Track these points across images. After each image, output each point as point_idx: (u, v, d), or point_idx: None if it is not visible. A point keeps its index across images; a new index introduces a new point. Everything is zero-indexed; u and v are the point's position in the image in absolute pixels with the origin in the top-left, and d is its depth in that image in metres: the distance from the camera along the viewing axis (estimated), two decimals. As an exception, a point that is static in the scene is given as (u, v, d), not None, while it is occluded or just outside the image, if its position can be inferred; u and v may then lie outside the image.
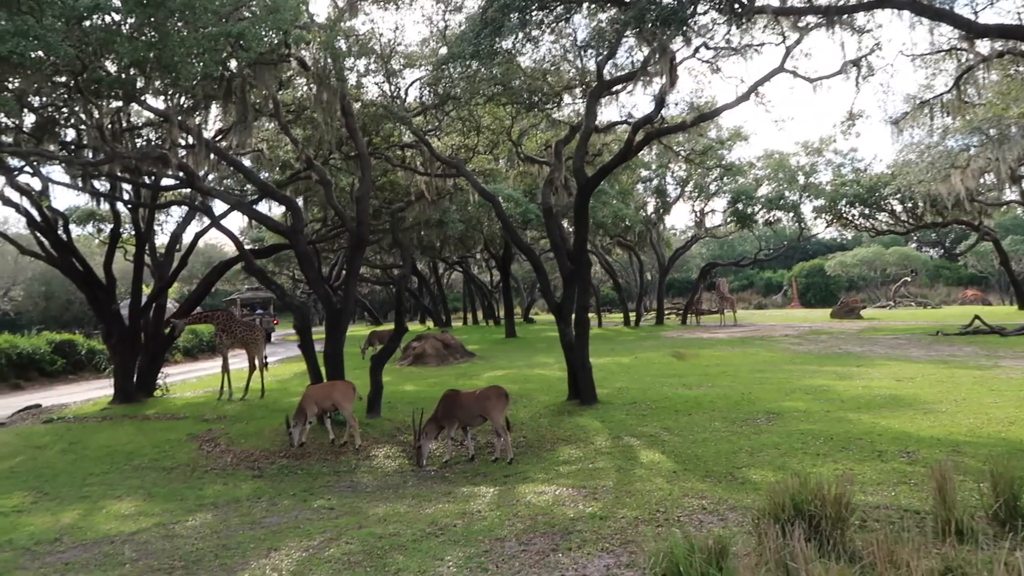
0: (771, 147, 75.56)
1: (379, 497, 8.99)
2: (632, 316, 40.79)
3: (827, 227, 38.23)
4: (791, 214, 35.90)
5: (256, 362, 17.55)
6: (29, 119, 13.46)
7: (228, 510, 8.61)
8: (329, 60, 12.21)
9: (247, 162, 16.46)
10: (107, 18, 10.32)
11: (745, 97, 13.05)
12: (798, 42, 12.96)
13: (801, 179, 35.82)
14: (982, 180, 28.53)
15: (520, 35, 11.59)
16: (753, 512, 6.34)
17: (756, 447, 9.91)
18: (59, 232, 17.47)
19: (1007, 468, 6.24)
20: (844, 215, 35.51)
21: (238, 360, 18.03)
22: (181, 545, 7.16)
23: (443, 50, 15.12)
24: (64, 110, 13.13)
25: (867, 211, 34.96)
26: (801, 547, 4.81)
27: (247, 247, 15.53)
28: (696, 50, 13.04)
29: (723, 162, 29.21)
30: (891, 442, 9.66)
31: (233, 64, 11.39)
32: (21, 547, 7.40)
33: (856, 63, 12.73)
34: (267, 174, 18.44)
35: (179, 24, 9.74)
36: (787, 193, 35.39)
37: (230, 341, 17.40)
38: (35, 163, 14.30)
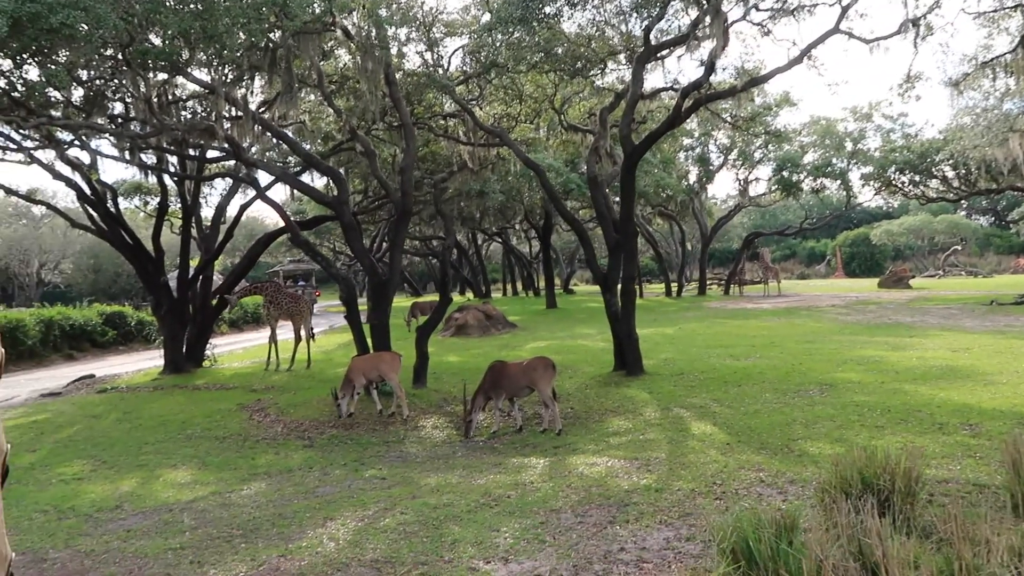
0: (817, 113, 73.84)
1: (429, 467, 9.00)
2: (673, 287, 40.39)
3: (875, 195, 37.28)
4: (838, 182, 35.06)
5: (302, 333, 17.68)
6: (78, 93, 13.57)
7: (281, 479, 8.69)
8: (372, 29, 12.07)
9: (290, 134, 16.44)
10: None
11: (798, 60, 12.63)
12: (853, 2, 12.48)
13: (849, 146, 34.90)
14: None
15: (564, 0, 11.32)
16: (817, 485, 6.20)
17: (811, 419, 9.71)
18: (108, 205, 17.71)
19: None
20: (893, 182, 34.55)
21: (284, 331, 18.22)
22: (238, 514, 7.24)
23: (485, 17, 14.89)
24: (112, 83, 13.21)
25: (917, 178, 33.95)
26: (875, 522, 4.66)
27: (285, 221, 15.57)
28: (747, 12, 12.64)
29: (770, 129, 28.52)
30: (952, 414, 9.38)
31: (277, 35, 11.31)
32: (84, 514, 7.55)
33: (915, 22, 12.23)
34: (309, 145, 18.43)
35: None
36: (834, 160, 34.54)
37: (277, 312, 17.56)
38: (84, 136, 14.44)
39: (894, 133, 35.17)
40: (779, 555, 4.65)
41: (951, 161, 31.38)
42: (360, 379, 11.89)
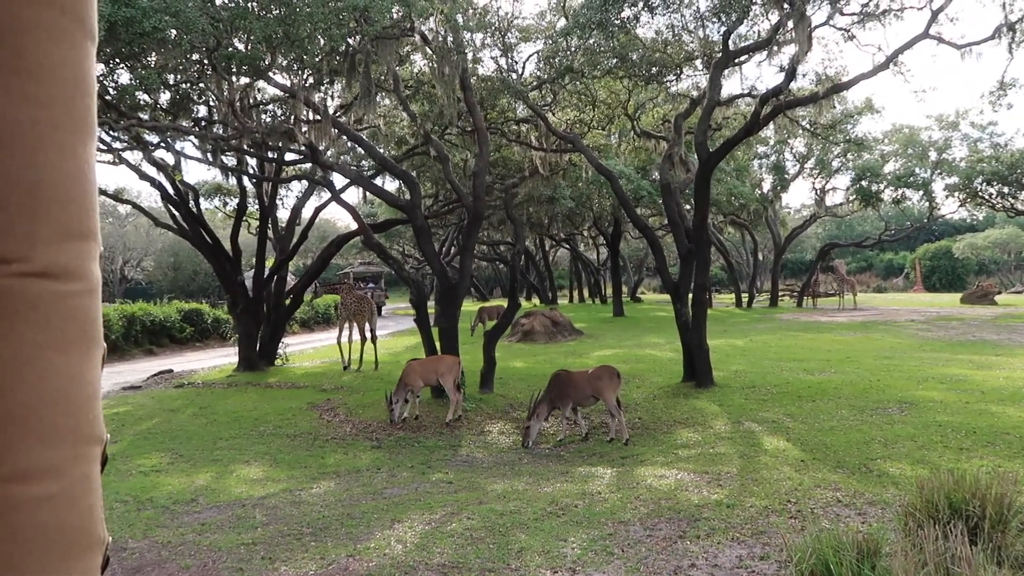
0: (900, 121, 71.50)
1: (496, 473, 8.98)
2: (744, 297, 39.61)
3: (960, 206, 35.85)
4: (920, 192, 33.85)
5: (366, 334, 17.96)
6: (164, 96, 14.07)
7: (350, 479, 8.79)
8: (449, 34, 12.17)
9: (365, 137, 16.71)
10: (239, -4, 10.61)
11: (884, 66, 12.22)
12: (945, 5, 12.03)
13: (933, 155, 33.67)
14: None
15: (644, 4, 11.19)
16: (899, 508, 5.95)
17: (890, 438, 9.36)
18: (190, 205, 18.29)
19: None
20: (979, 193, 33.21)
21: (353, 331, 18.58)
22: (308, 512, 7.34)
23: (561, 23, 14.86)
24: (197, 87, 13.64)
25: (1006, 189, 32.56)
26: (965, 550, 4.43)
27: (359, 223, 15.83)
28: (831, 16, 12.30)
29: (850, 137, 27.70)
30: (1043, 439, 8.94)
31: (356, 40, 11.50)
32: (161, 505, 7.77)
33: (1012, 27, 11.70)
34: (383, 149, 18.71)
35: (307, -1, 9.90)
36: (917, 170, 33.37)
37: (345, 313, 17.92)
38: (170, 138, 14.95)
39: (982, 142, 33.79)
40: (861, 580, 4.48)
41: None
42: (417, 382, 11.90)
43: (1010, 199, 33.59)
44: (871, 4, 12.58)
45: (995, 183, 32.15)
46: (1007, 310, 30.41)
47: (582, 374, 10.75)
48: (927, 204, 35.64)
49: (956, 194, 33.95)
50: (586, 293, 53.05)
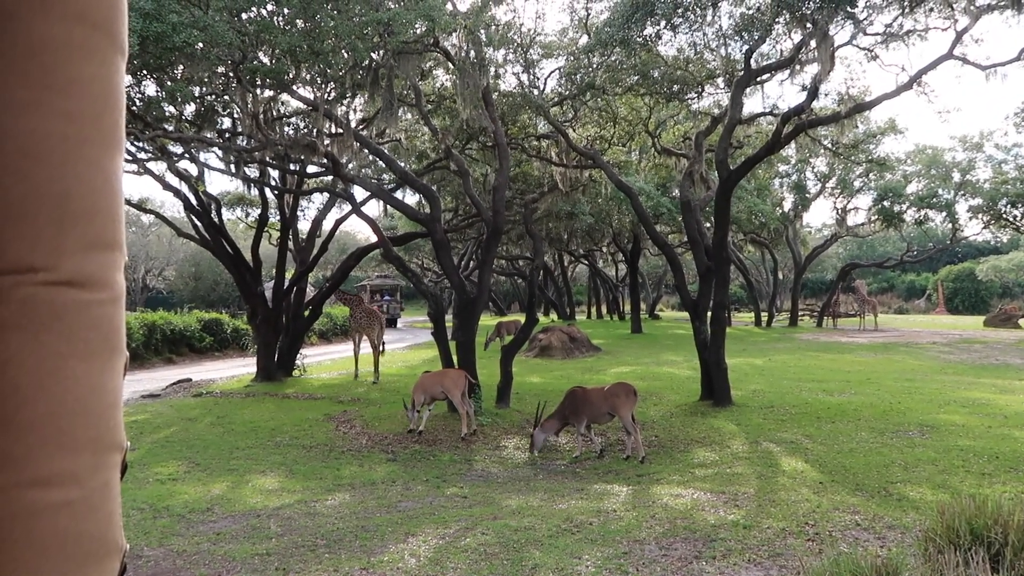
0: (923, 141, 70.91)
1: (511, 488, 8.95)
2: (764, 316, 39.35)
3: (983, 228, 35.49)
4: (943, 213, 33.56)
5: (371, 345, 18.24)
6: (189, 108, 14.25)
7: (365, 492, 8.79)
8: (472, 50, 12.26)
9: (386, 151, 16.84)
10: (264, 10, 10.75)
11: (907, 86, 12.15)
12: (970, 26, 11.96)
13: (956, 176, 33.39)
14: None
15: (666, 22, 11.22)
16: (920, 533, 5.86)
17: (910, 462, 9.23)
18: (212, 215, 18.48)
19: None
20: (1004, 215, 32.87)
21: (365, 345, 18.76)
22: (323, 523, 7.35)
23: (583, 39, 14.92)
24: (222, 99, 13.81)
25: (1031, 211, 32.23)
26: (986, 578, 4.36)
27: (378, 236, 15.96)
28: (854, 36, 12.27)
29: (872, 156, 27.55)
30: (1069, 465, 8.79)
31: (379, 54, 11.61)
32: (177, 514, 7.80)
33: (1036, 49, 11.62)
34: (404, 163, 18.83)
35: (331, 12, 10.00)
36: (940, 191, 33.10)
37: (355, 325, 18.22)
38: (194, 149, 15.13)
39: (1007, 164, 33.47)
40: (880, 606, 4.41)
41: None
42: (420, 396, 11.92)
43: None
44: (895, 24, 12.54)
45: (1020, 205, 31.82)
46: (1031, 334, 29.98)
47: (598, 391, 10.70)
48: (950, 225, 35.32)
49: (980, 216, 33.63)
50: (604, 309, 52.91)
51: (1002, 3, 10.08)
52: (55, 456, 0.71)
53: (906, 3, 10.11)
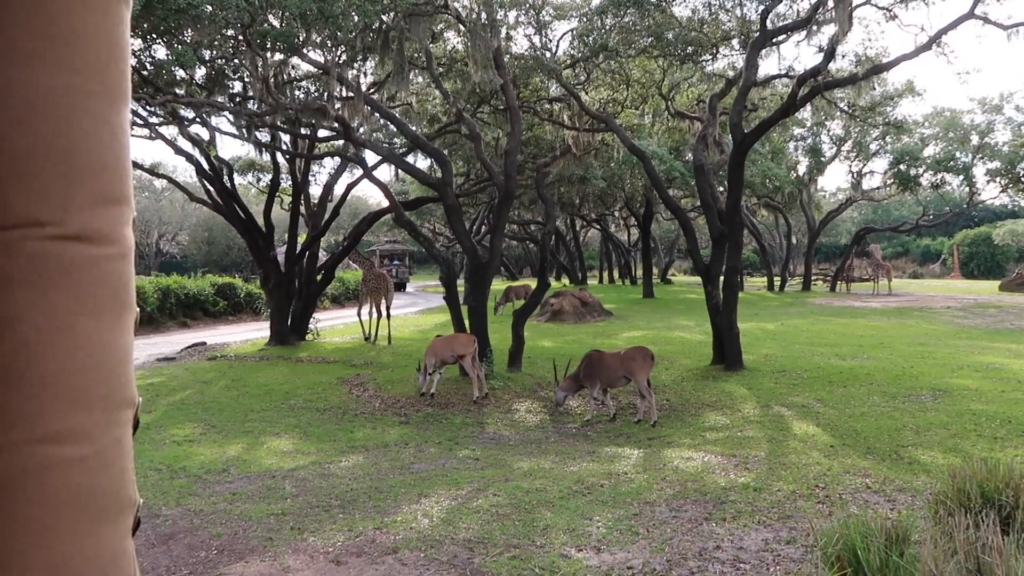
0: (941, 104, 69.71)
1: (522, 451, 9.02)
2: (776, 281, 39.18)
3: (1001, 192, 35.03)
4: (961, 177, 33.13)
5: (383, 310, 18.47)
6: (200, 72, 14.18)
7: (378, 453, 8.88)
8: (483, 11, 12.10)
9: (397, 115, 16.73)
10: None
11: (927, 47, 11.92)
12: (993, -16, 11.69)
13: (975, 139, 32.89)
14: None
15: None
16: (930, 496, 5.88)
17: (922, 425, 9.23)
18: (224, 180, 18.48)
19: None
20: (1023, 179, 32.42)
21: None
22: (337, 484, 7.44)
23: (596, 0, 14.68)
24: (232, 63, 13.72)
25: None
26: (997, 540, 4.37)
27: (390, 200, 15.94)
28: (874, -7, 12.03)
29: (889, 119, 27.16)
30: (1082, 429, 8.78)
31: (389, 16, 11.48)
32: (194, 475, 7.92)
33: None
34: (415, 127, 18.71)
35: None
36: (958, 154, 32.63)
37: (365, 289, 18.55)
38: (205, 114, 15.09)
39: (1026, 127, 32.93)
40: (889, 566, 4.44)
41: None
42: (431, 359, 11.97)
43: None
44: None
45: (1039, 169, 31.38)
46: (1047, 298, 29.72)
47: (615, 355, 10.72)
48: (967, 189, 34.90)
49: (998, 179, 33.18)
50: (616, 274, 52.85)
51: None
52: (67, 412, 0.71)
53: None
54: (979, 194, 36.05)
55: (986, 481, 5.46)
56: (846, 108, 21.23)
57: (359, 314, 19.02)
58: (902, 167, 32.50)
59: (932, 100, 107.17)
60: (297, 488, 7.35)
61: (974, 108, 33.98)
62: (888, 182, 35.38)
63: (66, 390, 0.71)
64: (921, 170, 32.77)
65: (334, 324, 23.42)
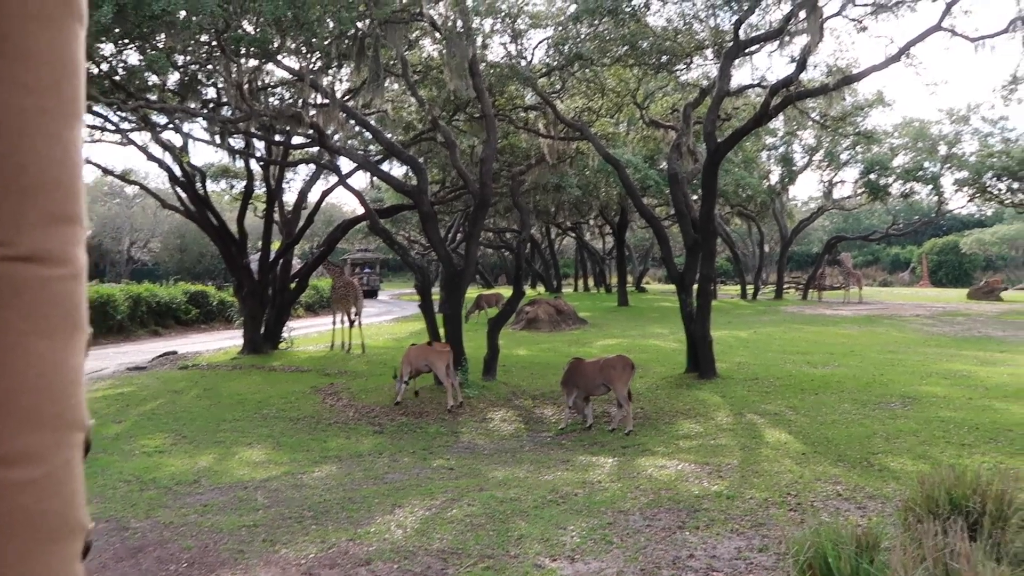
0: (911, 114, 70.79)
1: (497, 460, 9.00)
2: (749, 289, 39.53)
3: (969, 201, 35.67)
4: (929, 187, 33.69)
5: (348, 318, 18.40)
6: (173, 77, 14.04)
7: (351, 463, 8.82)
8: (459, 19, 12.11)
9: (372, 123, 16.67)
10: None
11: (896, 58, 12.12)
12: (959, -2, 11.92)
13: (943, 149, 33.46)
14: None
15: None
16: (899, 503, 5.95)
17: (892, 433, 9.36)
18: (197, 187, 18.30)
19: None
20: (989, 189, 33.04)
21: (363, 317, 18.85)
22: (309, 495, 7.37)
23: (571, 8, 14.74)
24: (206, 69, 13.61)
25: (1016, 185, 32.39)
26: (964, 546, 4.43)
27: (365, 208, 15.88)
28: (844, 7, 12.20)
29: (859, 129, 27.58)
30: (1046, 435, 8.95)
31: (365, 23, 11.45)
32: (164, 486, 7.81)
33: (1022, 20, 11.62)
34: (391, 135, 18.66)
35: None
36: (926, 164, 33.19)
37: (334, 297, 18.58)
38: (178, 120, 14.94)
39: (992, 137, 33.53)
40: (859, 573, 4.48)
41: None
42: (406, 368, 11.94)
43: (1019, 194, 33.41)
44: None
45: (1005, 178, 31.98)
46: (1013, 306, 30.24)
47: (594, 363, 10.73)
48: (935, 198, 35.49)
49: (965, 189, 33.79)
50: (591, 282, 53.03)
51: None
52: (17, 434, 0.69)
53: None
54: (947, 203, 36.68)
55: (954, 488, 5.54)
56: (818, 118, 21.51)
57: (334, 324, 18.94)
58: (872, 176, 32.99)
59: (902, 110, 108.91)
60: (269, 499, 7.27)
61: (942, 119, 34.62)
62: (859, 191, 35.89)
63: (16, 411, 0.70)
64: (891, 180, 33.28)
65: (308, 332, 23.24)
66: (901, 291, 47.39)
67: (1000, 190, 33.14)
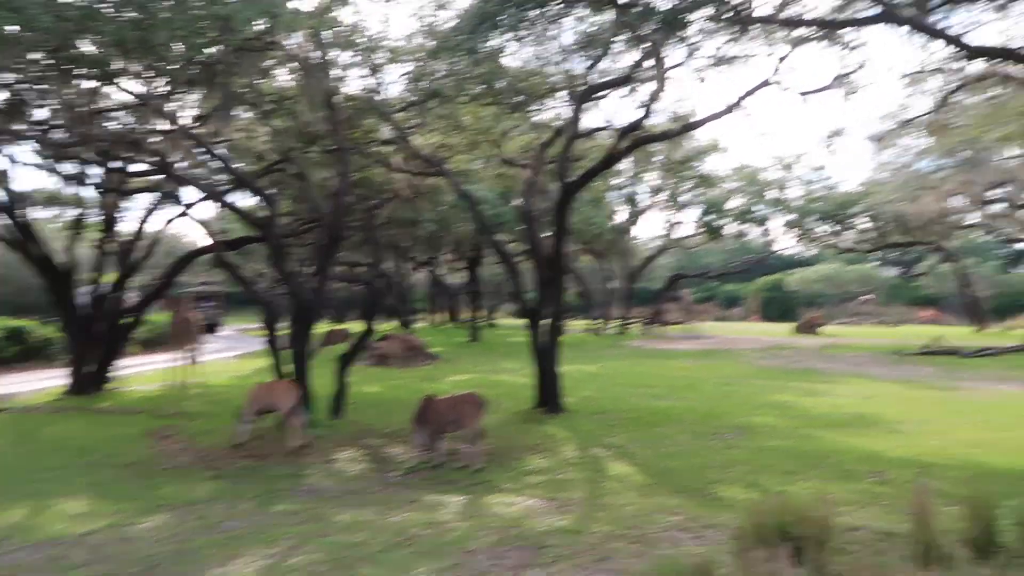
0: (744, 160, 75.97)
1: (343, 502, 8.71)
2: (597, 324, 40.79)
3: (796, 242, 38.67)
4: (761, 227, 36.28)
5: (188, 355, 17.53)
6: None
7: (185, 512, 8.25)
8: (316, 51, 11.90)
9: (222, 151, 15.99)
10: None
11: (730, 109, 13.04)
12: (788, 54, 12.96)
13: (771, 194, 36.16)
14: (950, 202, 29.18)
15: (512, 34, 11.40)
16: (733, 532, 6.27)
17: (726, 462, 9.91)
18: (19, 215, 16.86)
19: (982, 493, 6.25)
20: (811, 231, 35.99)
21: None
22: (136, 549, 6.85)
23: (431, 45, 14.83)
24: (37, 88, 12.57)
25: (834, 228, 35.47)
26: (790, 572, 4.72)
27: (212, 239, 15.20)
28: (687, 57, 12.98)
29: (698, 173, 29.41)
30: (859, 461, 9.80)
31: (216, 49, 11.01)
32: (-35, 546, 7.03)
33: (844, 78, 12.83)
34: (241, 164, 17.97)
35: (164, 3, 9.38)
36: (756, 207, 35.74)
37: (172, 332, 17.72)
38: (3, 142, 13.74)
39: (814, 184, 36.66)
40: (696, 606, 4.66)
41: (868, 214, 32.92)
42: (251, 407, 11.47)
43: (837, 237, 36.60)
44: (722, 50, 13.37)
45: (825, 221, 34.95)
46: (830, 340, 32.81)
47: (446, 400, 10.66)
48: (765, 239, 38.25)
49: (791, 230, 36.63)
50: (443, 317, 53.07)
51: (816, 35, 11.05)
52: None
53: (734, 32, 10.87)
54: (775, 244, 39.60)
55: (780, 515, 5.90)
56: (663, 160, 22.69)
57: (174, 360, 17.79)
58: (709, 217, 35.16)
59: (738, 156, 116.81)
60: (89, 556, 6.68)
61: (774, 164, 37.46)
62: (698, 231, 38.06)
63: None
64: (726, 220, 35.60)
65: (143, 371, 21.80)
66: (735, 325, 50.49)
67: (822, 232, 36.15)
